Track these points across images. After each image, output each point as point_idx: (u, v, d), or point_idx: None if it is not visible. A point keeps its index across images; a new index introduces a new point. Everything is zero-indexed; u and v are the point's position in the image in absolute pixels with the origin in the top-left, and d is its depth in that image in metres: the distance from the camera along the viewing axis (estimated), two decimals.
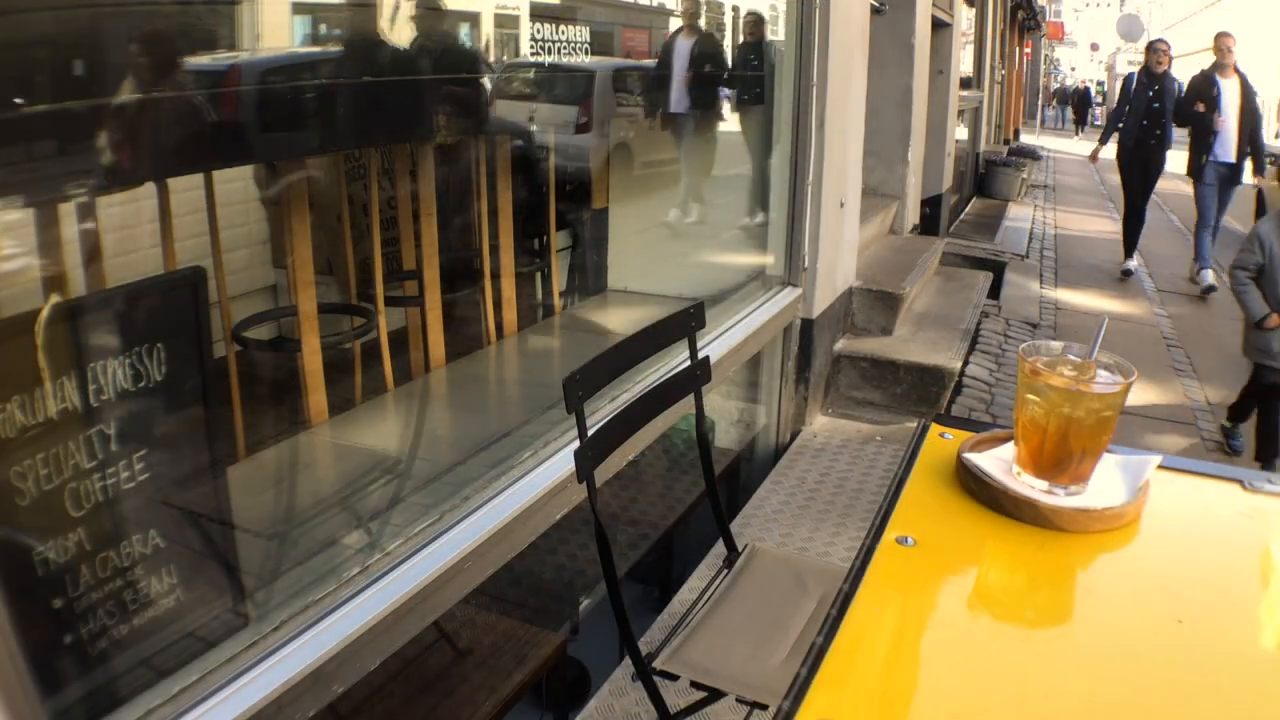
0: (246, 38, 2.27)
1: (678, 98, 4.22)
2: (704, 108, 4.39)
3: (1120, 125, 7.03)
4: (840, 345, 3.94)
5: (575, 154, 4.09)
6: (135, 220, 2.04)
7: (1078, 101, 28.69)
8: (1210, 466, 1.19)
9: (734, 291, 3.38)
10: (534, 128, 3.95)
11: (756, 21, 4.65)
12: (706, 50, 4.38)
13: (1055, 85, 35.85)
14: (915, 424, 1.27)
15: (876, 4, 4.61)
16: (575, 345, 3.49)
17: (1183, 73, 6.91)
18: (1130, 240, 7.34)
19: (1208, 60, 6.89)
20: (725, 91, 4.42)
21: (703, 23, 4.55)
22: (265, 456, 2.27)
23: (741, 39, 4.67)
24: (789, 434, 3.57)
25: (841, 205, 3.75)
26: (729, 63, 4.50)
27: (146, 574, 1.35)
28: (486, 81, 3.22)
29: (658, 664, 1.44)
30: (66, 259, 1.59)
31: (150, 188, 1.95)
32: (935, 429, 1.23)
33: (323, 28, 2.76)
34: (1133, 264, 7.30)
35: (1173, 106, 6.71)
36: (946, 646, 0.84)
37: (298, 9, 2.66)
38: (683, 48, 4.32)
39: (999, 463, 1.09)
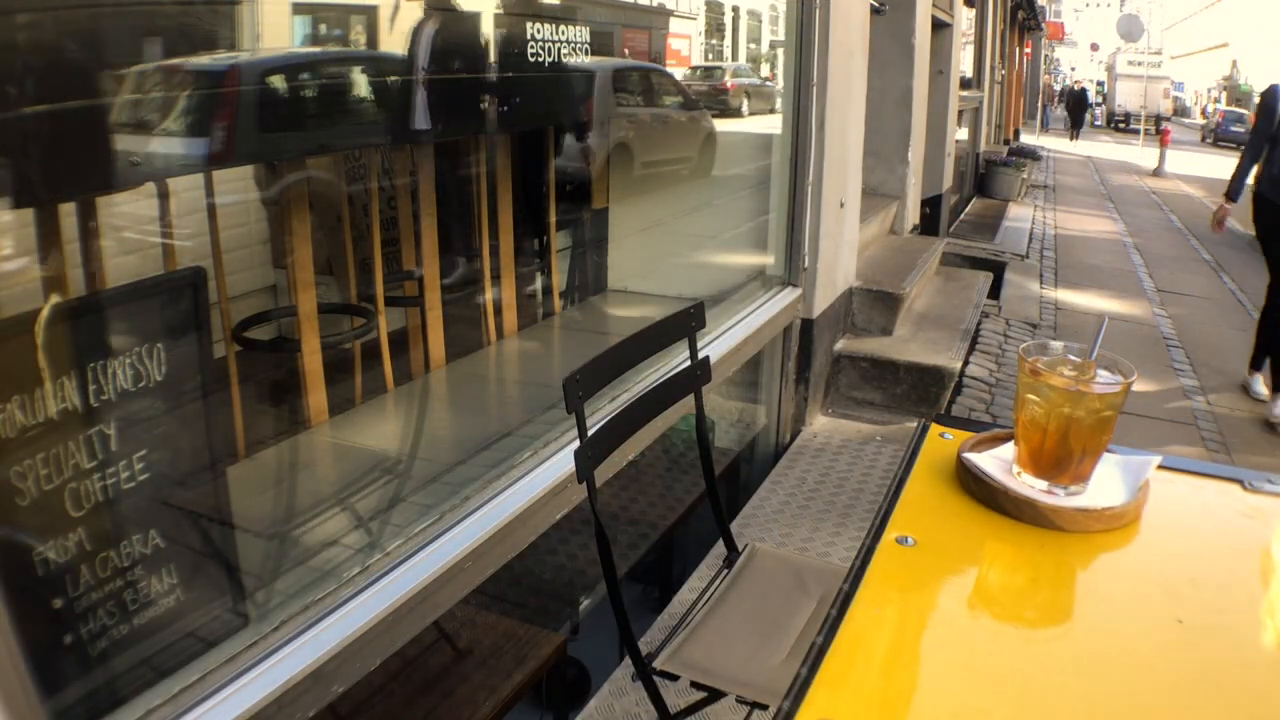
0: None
1: (419, 113, 2.75)
2: (458, 126, 2.85)
3: (1258, 162, 4.34)
4: (840, 345, 3.94)
5: (576, 154, 4.09)
6: (135, 220, 2.04)
7: (1072, 103, 27.60)
8: (1210, 466, 1.19)
9: (734, 291, 3.38)
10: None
11: None
12: (453, 40, 2.77)
13: (1061, 84, 34.41)
14: (915, 424, 1.27)
15: (876, 4, 4.60)
16: (575, 345, 3.49)
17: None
18: (1262, 348, 4.58)
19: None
20: (493, 104, 2.89)
21: None
22: (265, 456, 2.27)
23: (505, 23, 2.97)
24: (789, 434, 3.57)
25: (841, 205, 3.75)
26: (493, 60, 2.91)
27: (146, 574, 1.35)
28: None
29: (658, 664, 1.44)
30: (66, 259, 1.59)
31: (150, 188, 1.95)
32: (935, 429, 1.23)
33: None
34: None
35: None
36: (946, 646, 0.83)
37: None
38: (425, 37, 2.73)
39: (999, 463, 1.09)
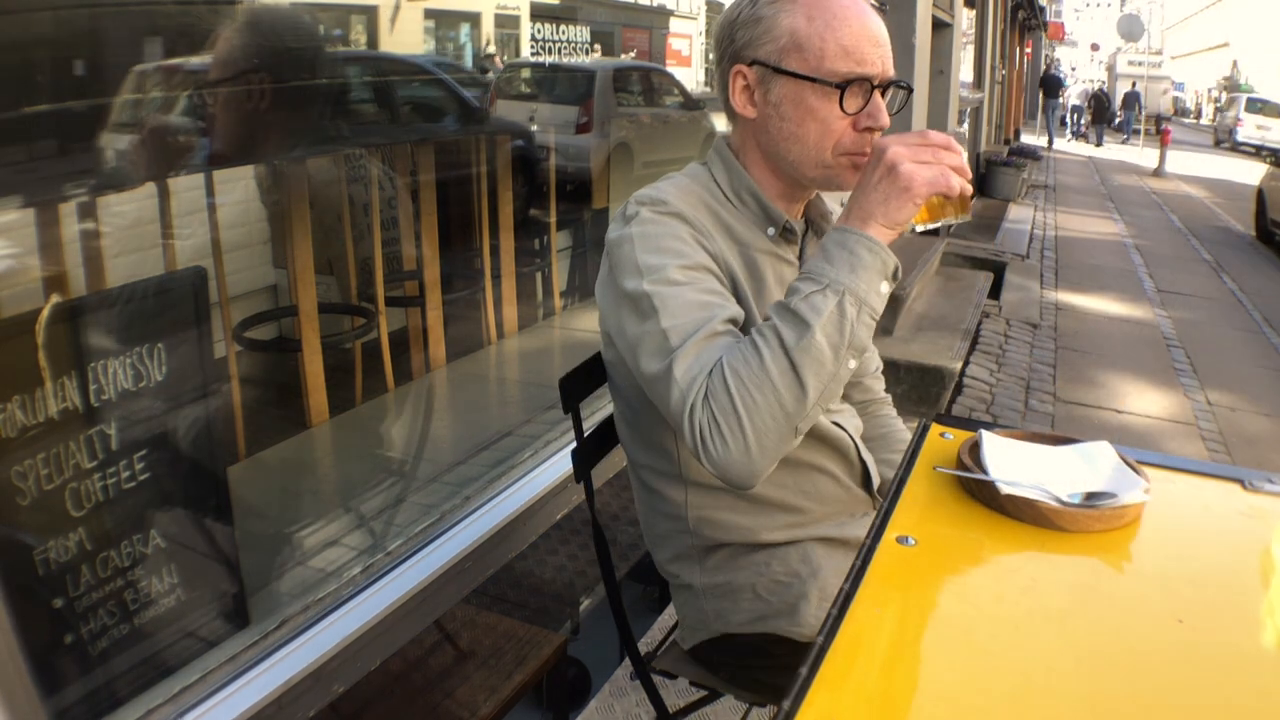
0: None
1: None
2: None
3: None
4: None
5: (576, 154, 4.10)
6: (136, 220, 2.03)
7: (1096, 106, 25.72)
8: (1210, 466, 1.19)
9: None
10: (534, 128, 3.96)
11: None
12: None
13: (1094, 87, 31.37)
14: (915, 424, 1.27)
15: (876, 4, 4.60)
16: (575, 345, 3.49)
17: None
18: None
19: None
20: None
21: None
22: (265, 456, 2.27)
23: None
24: None
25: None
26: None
27: (147, 574, 1.35)
28: None
29: (657, 663, 1.44)
30: (67, 259, 1.59)
31: (151, 188, 1.95)
32: (935, 429, 1.23)
33: None
34: None
35: None
36: (946, 646, 0.84)
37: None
38: None
39: (999, 462, 1.08)
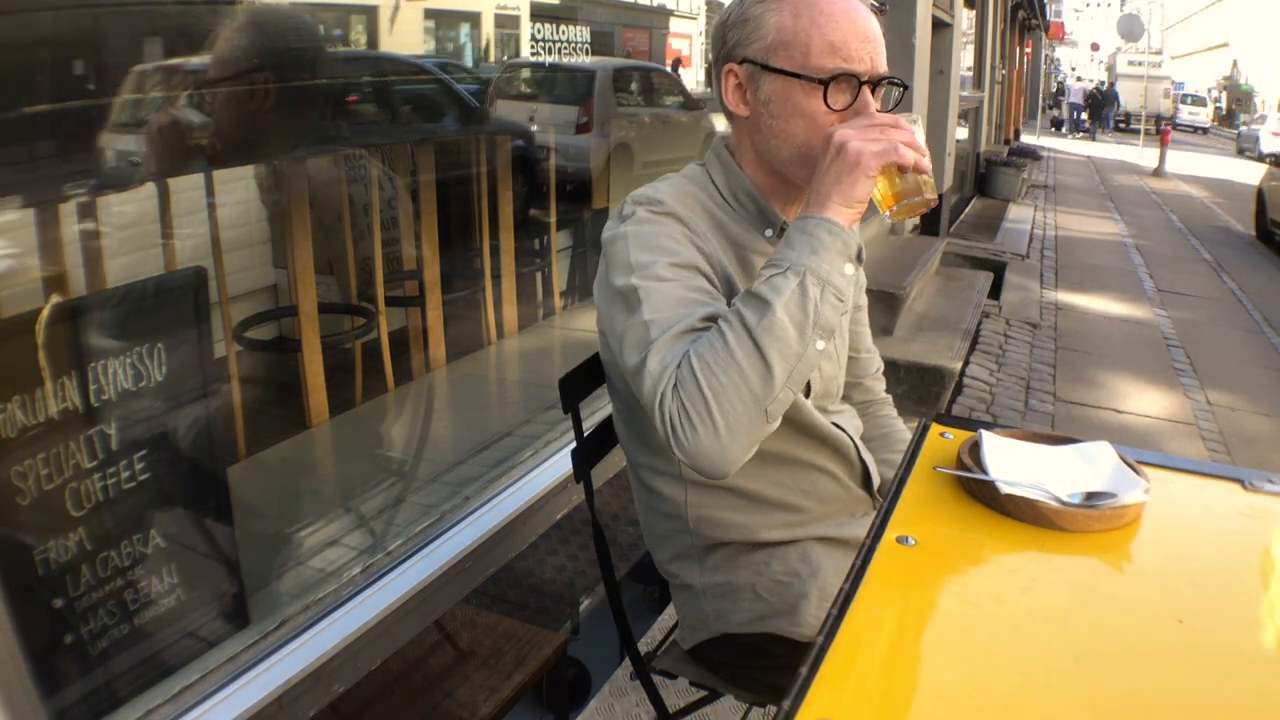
0: None
1: None
2: None
3: None
4: None
5: (576, 154, 4.09)
6: (136, 220, 2.04)
7: (1092, 103, 27.10)
8: (1210, 466, 1.19)
9: None
10: (534, 128, 3.96)
11: None
12: None
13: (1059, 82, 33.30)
14: (915, 424, 1.27)
15: (877, 4, 4.59)
16: (575, 345, 3.49)
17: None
18: None
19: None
20: None
21: None
22: (265, 456, 2.27)
23: None
24: None
25: None
26: None
27: (147, 574, 1.35)
28: None
29: (657, 663, 1.44)
30: (67, 259, 1.59)
31: (151, 188, 1.95)
32: (935, 429, 1.23)
33: None
34: None
35: None
36: (946, 646, 0.84)
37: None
38: None
39: (999, 462, 1.08)
